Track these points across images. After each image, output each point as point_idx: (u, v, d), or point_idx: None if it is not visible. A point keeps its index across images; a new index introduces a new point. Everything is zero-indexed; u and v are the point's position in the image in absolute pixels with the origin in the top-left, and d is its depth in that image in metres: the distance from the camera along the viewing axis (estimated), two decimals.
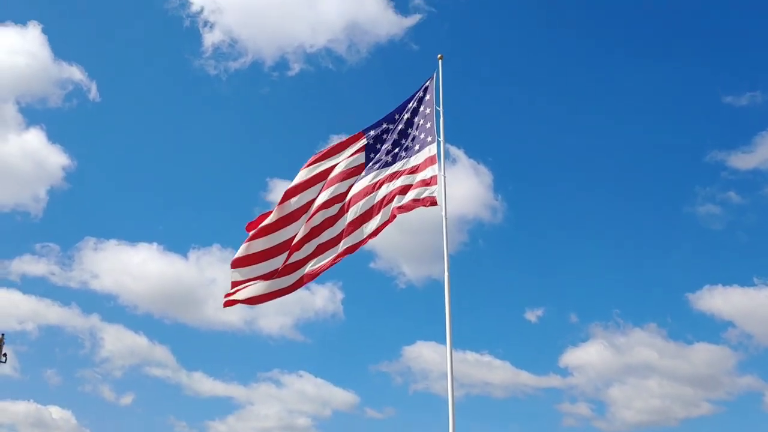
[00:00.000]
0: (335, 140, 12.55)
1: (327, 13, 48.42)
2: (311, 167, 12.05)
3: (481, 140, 48.73)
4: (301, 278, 11.61)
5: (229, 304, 11.69)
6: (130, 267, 45.14)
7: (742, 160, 46.68)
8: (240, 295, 11.55)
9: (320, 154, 12.13)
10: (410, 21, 46.90)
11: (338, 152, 12.15)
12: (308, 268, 11.56)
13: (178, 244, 55.48)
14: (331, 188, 11.79)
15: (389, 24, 47.37)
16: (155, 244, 45.60)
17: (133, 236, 53.08)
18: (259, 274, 11.52)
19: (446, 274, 10.83)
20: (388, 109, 12.40)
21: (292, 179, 11.97)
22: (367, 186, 11.70)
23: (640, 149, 53.61)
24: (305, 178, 11.96)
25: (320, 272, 11.54)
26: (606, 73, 53.76)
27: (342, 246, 11.47)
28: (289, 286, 11.62)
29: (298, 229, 11.63)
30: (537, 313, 50.01)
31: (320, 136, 59.04)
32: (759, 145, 50.83)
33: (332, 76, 50.36)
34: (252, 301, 11.61)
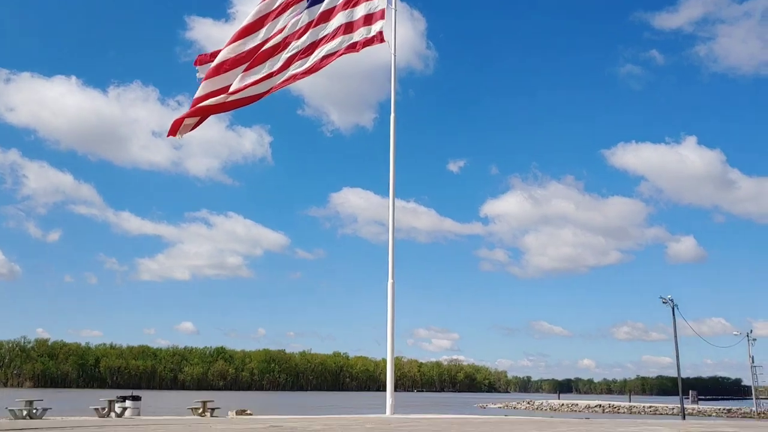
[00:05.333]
0: None
1: None
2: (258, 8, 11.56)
3: None
4: (235, 101, 11.67)
5: (174, 132, 12.34)
6: (47, 101, 42.82)
7: (666, 20, 46.82)
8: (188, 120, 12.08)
9: None
10: None
11: None
12: (243, 93, 11.54)
13: (96, 79, 52.81)
14: (277, 20, 11.20)
15: None
16: (73, 78, 43.04)
17: (48, 70, 49.99)
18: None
19: (392, 115, 10.10)
20: None
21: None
22: (308, 21, 11.03)
23: (566, 8, 53.06)
24: (251, 21, 11.48)
25: (255, 100, 11.66)
26: None
27: (280, 78, 11.09)
28: (220, 104, 11.75)
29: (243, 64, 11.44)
30: (459, 164, 51.11)
31: None
32: (683, 6, 50.89)
33: None
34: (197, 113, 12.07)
